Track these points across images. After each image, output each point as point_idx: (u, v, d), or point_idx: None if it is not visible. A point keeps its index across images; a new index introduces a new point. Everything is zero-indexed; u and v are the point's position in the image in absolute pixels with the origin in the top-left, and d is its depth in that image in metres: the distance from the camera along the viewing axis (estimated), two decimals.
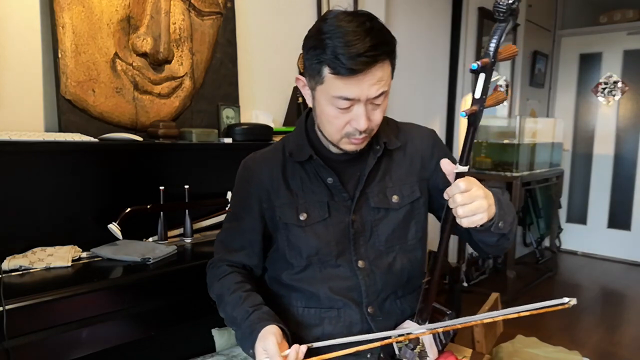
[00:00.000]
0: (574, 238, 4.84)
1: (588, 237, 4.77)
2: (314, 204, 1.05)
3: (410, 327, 0.99)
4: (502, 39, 0.80)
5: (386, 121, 1.11)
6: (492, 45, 0.80)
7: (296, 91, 2.14)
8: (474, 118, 0.84)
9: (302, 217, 1.04)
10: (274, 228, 1.08)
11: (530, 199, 4.34)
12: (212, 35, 1.83)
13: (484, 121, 3.78)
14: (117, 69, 1.56)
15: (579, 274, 4.26)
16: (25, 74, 1.42)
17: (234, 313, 0.99)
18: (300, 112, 2.13)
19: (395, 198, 1.07)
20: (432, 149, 1.13)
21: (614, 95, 4.58)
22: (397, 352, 1.00)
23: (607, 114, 4.64)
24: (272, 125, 1.90)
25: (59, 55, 1.42)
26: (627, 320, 3.23)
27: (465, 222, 0.87)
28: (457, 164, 0.86)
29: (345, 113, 0.94)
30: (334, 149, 1.05)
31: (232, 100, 1.90)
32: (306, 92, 1.02)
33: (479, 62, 0.79)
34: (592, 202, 4.76)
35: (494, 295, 1.64)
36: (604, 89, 4.63)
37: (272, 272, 1.12)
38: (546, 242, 4.55)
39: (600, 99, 4.66)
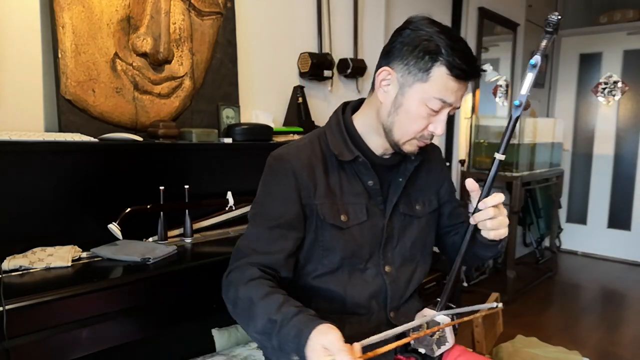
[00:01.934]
0: (574, 238, 4.84)
1: (588, 237, 4.77)
2: (353, 206, 1.04)
3: (428, 314, 1.01)
4: (548, 47, 0.94)
5: None
6: (540, 52, 0.92)
7: (296, 91, 2.14)
8: (517, 111, 0.95)
9: (343, 218, 1.02)
10: (309, 226, 1.02)
11: (530, 199, 4.34)
12: (212, 35, 1.83)
13: (483, 121, 3.80)
14: (117, 69, 1.56)
15: (579, 274, 4.26)
16: (25, 74, 1.42)
17: (273, 316, 0.85)
18: (300, 112, 2.13)
19: (418, 207, 1.13)
20: (442, 165, 1.23)
21: (614, 95, 4.58)
22: (412, 342, 1.02)
23: (607, 114, 4.64)
24: (272, 125, 1.90)
25: (59, 55, 1.42)
26: (627, 320, 3.23)
27: (492, 234, 0.97)
28: (496, 153, 0.97)
29: (430, 116, 0.97)
30: (377, 151, 1.06)
31: (232, 100, 1.90)
32: (388, 88, 0.99)
33: (535, 60, 0.92)
34: (592, 202, 4.76)
35: (494, 295, 1.64)
36: (604, 89, 4.63)
37: (295, 274, 1.05)
38: (546, 242, 4.55)
39: (600, 99, 4.66)
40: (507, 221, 0.98)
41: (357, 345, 0.78)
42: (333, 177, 1.04)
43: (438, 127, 0.99)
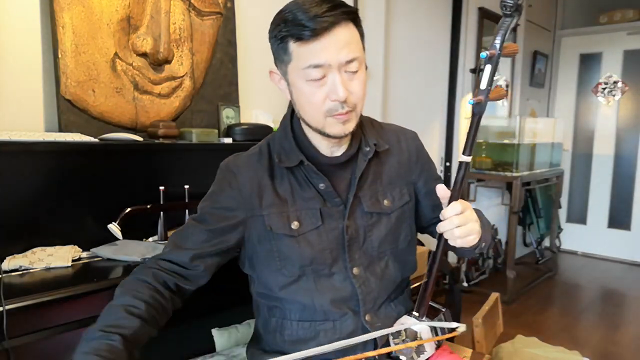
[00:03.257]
0: (574, 238, 4.84)
1: (588, 237, 4.77)
2: (306, 212, 1.00)
3: (407, 322, 0.99)
4: (508, 33, 0.85)
5: (370, 122, 1.11)
6: (498, 38, 0.85)
7: None
8: (479, 108, 0.88)
9: (294, 225, 0.99)
10: (260, 238, 1.00)
11: (530, 199, 4.34)
12: (212, 35, 1.83)
13: (484, 121, 3.78)
14: (117, 69, 1.56)
15: (579, 274, 4.26)
16: (25, 74, 1.42)
17: (91, 327, 0.82)
18: None
19: (386, 202, 1.06)
20: (417, 152, 1.14)
21: (614, 95, 4.58)
22: (394, 352, 0.99)
23: (607, 114, 4.64)
24: (272, 125, 1.90)
25: (59, 55, 1.42)
26: (627, 320, 3.23)
27: (459, 242, 0.92)
28: (461, 154, 0.90)
29: (321, 86, 0.91)
30: (326, 152, 1.02)
31: (232, 100, 1.90)
32: (282, 86, 0.99)
33: (487, 52, 0.84)
34: (592, 202, 4.76)
35: (494, 295, 1.64)
36: (604, 89, 4.63)
37: (260, 286, 1.05)
38: (546, 242, 4.55)
39: (600, 99, 4.66)
40: (474, 228, 0.92)
41: None
42: (283, 184, 1.01)
43: (337, 91, 0.89)
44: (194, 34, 1.78)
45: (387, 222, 1.06)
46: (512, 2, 0.82)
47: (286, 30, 0.89)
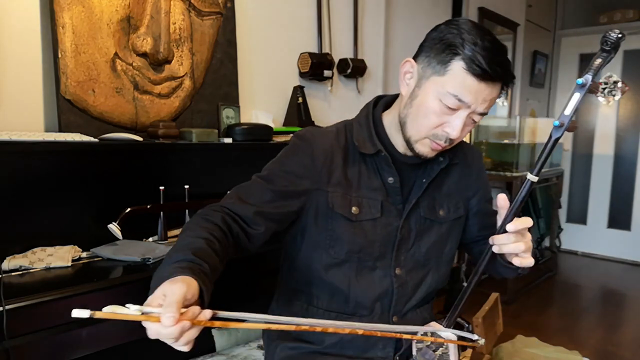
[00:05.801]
0: (574, 238, 4.84)
1: (588, 237, 4.77)
2: (367, 200, 1.01)
3: (436, 327, 0.98)
4: (602, 68, 0.85)
5: None
6: (591, 72, 0.84)
7: (296, 91, 2.14)
8: (557, 133, 0.86)
9: (354, 210, 0.99)
10: (317, 213, 1.00)
11: (530, 199, 4.34)
12: (212, 35, 1.83)
13: (483, 121, 3.80)
14: (117, 69, 1.56)
15: (579, 274, 4.26)
16: (25, 74, 1.42)
17: (174, 250, 0.79)
18: (300, 112, 2.13)
19: (442, 212, 1.07)
20: (479, 171, 1.16)
21: (614, 95, 4.58)
22: (414, 352, 0.98)
23: (607, 114, 4.64)
24: (272, 125, 1.90)
25: (59, 55, 1.42)
26: (627, 320, 3.23)
27: (518, 261, 0.91)
28: (528, 174, 0.88)
29: (445, 114, 0.92)
30: (400, 148, 1.03)
31: (232, 100, 1.90)
32: (407, 80, 0.98)
33: (583, 79, 0.83)
34: (592, 202, 4.76)
35: (494, 295, 1.64)
36: (604, 89, 4.63)
37: (300, 262, 1.05)
38: (546, 242, 4.55)
39: (600, 99, 4.66)
40: (530, 246, 0.90)
41: (207, 312, 0.66)
42: (352, 168, 1.01)
43: (454, 129, 0.92)
44: (194, 34, 1.78)
45: (438, 231, 1.07)
46: (614, 38, 0.81)
47: (466, 54, 0.88)
